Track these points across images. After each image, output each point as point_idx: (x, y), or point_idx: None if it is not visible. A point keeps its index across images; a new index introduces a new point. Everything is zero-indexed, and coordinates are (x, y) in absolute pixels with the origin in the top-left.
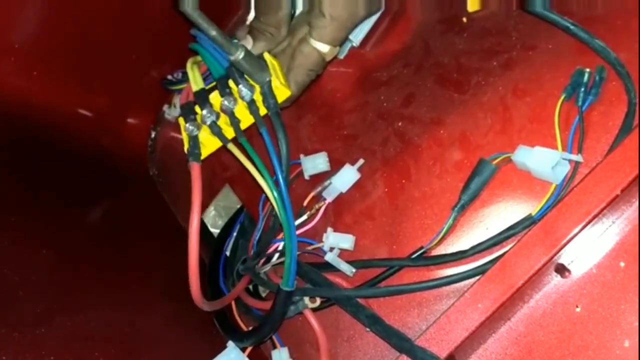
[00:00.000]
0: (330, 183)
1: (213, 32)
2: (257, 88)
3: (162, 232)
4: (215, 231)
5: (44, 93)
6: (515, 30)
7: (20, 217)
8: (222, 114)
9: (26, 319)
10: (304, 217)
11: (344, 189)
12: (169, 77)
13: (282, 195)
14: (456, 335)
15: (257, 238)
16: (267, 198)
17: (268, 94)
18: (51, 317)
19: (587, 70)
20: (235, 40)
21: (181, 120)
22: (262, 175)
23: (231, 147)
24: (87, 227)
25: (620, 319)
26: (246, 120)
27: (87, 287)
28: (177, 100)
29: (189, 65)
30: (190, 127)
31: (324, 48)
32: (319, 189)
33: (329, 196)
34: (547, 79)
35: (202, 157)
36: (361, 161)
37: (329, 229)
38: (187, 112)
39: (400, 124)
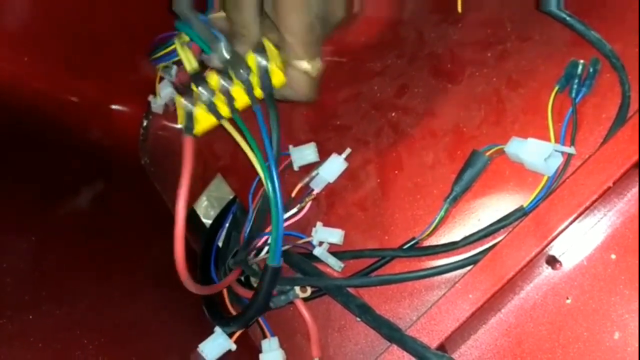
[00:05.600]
0: (317, 173)
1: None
2: (254, 70)
3: (152, 221)
4: (207, 222)
5: (35, 79)
6: (510, 22)
7: (8, 204)
8: (218, 93)
9: (14, 306)
10: (294, 210)
11: (332, 179)
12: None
13: (270, 170)
14: (447, 325)
15: (247, 230)
16: (256, 189)
17: (264, 76)
18: (39, 304)
19: (581, 62)
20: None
21: (178, 97)
22: (252, 151)
23: (225, 123)
24: (77, 214)
25: (611, 311)
26: (241, 100)
27: (76, 275)
28: (161, 89)
29: (178, 46)
30: (186, 103)
31: (305, 65)
32: (307, 179)
33: (317, 187)
34: (541, 70)
35: (196, 133)
36: (348, 150)
37: (319, 223)
38: (185, 89)
39: (393, 114)
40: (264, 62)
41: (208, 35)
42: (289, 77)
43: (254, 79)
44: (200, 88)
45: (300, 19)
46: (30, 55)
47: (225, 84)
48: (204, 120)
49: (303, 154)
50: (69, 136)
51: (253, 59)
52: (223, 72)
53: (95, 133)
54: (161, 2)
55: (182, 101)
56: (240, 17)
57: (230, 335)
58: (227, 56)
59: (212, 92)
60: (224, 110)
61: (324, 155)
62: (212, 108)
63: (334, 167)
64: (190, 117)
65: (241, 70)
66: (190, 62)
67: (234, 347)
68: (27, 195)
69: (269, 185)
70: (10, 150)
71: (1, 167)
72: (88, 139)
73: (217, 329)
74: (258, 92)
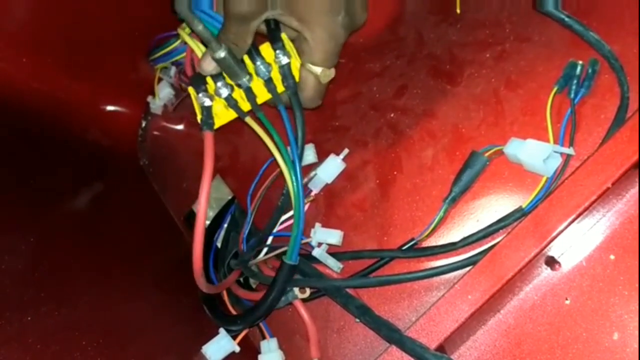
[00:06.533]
0: (315, 174)
1: (199, 27)
2: (275, 67)
3: (151, 222)
4: (206, 222)
5: (34, 80)
6: (509, 22)
7: (6, 205)
8: (236, 88)
9: (12, 307)
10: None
11: (330, 180)
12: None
13: (295, 169)
14: (446, 326)
15: (246, 232)
16: (255, 190)
17: (287, 74)
18: (38, 305)
19: (580, 62)
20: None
21: (192, 90)
22: (277, 148)
23: (249, 120)
24: (75, 215)
25: (610, 312)
26: (262, 96)
27: (74, 276)
28: (160, 90)
29: (186, 37)
30: (203, 98)
31: (317, 70)
32: (305, 180)
33: (315, 188)
34: (540, 71)
35: (215, 127)
36: (346, 151)
37: (317, 224)
38: (198, 82)
39: (392, 115)
40: (286, 60)
41: (208, 36)
42: (300, 78)
43: (275, 75)
44: (218, 83)
45: (328, 29)
46: (29, 56)
47: (245, 79)
48: (223, 116)
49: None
50: (68, 137)
51: (270, 54)
52: (241, 67)
53: (94, 134)
54: (160, 3)
55: (198, 95)
56: (240, 27)
57: (234, 337)
58: (222, 55)
59: (231, 87)
60: (244, 106)
61: (322, 156)
62: (232, 104)
63: (332, 168)
64: (208, 112)
65: (262, 67)
66: (202, 50)
67: (237, 349)
68: (26, 196)
69: (294, 183)
70: (9, 150)
71: (0, 167)
72: (87, 139)
73: (222, 331)
74: (280, 89)
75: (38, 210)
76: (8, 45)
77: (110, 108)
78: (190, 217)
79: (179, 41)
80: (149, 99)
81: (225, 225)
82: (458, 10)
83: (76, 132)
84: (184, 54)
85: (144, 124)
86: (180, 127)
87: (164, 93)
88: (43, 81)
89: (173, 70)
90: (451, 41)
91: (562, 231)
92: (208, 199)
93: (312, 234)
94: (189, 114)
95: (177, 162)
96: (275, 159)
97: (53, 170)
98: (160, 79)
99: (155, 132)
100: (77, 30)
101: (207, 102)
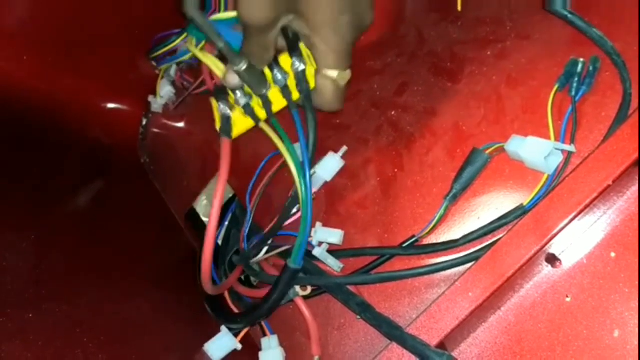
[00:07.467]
0: (314, 172)
1: (221, 44)
2: (291, 74)
3: (152, 220)
4: (207, 220)
5: (35, 78)
6: (510, 20)
7: (8, 203)
8: (254, 96)
9: (14, 305)
10: (294, 210)
11: (329, 178)
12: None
13: (305, 174)
14: (446, 323)
15: (247, 230)
16: (253, 189)
17: (302, 79)
18: (39, 302)
19: (581, 60)
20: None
21: (214, 101)
22: (290, 154)
23: (263, 125)
24: (76, 213)
25: (611, 309)
26: (278, 103)
27: (76, 274)
28: (161, 88)
29: (198, 53)
30: (223, 107)
31: (333, 74)
32: None
33: (315, 185)
34: (541, 69)
35: (233, 136)
36: (344, 148)
37: (318, 224)
38: (220, 93)
39: (393, 113)
40: (302, 66)
41: (228, 50)
42: (317, 85)
43: (291, 82)
44: (238, 93)
45: (335, 29)
46: (30, 54)
47: (264, 90)
48: (240, 124)
49: None
50: (69, 135)
51: (288, 62)
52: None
53: (95, 132)
54: (160, 2)
55: (219, 105)
56: (260, 38)
57: (235, 335)
58: (243, 68)
59: (250, 96)
60: (261, 113)
61: (323, 154)
62: (249, 111)
63: (331, 165)
64: (227, 121)
65: (279, 75)
66: (217, 67)
67: (239, 346)
68: (27, 194)
69: (303, 188)
70: (10, 149)
71: (0, 166)
72: (87, 137)
73: (223, 329)
74: (295, 96)
75: (39, 209)
76: (8, 44)
77: (111, 106)
78: (191, 215)
79: (179, 39)
80: (150, 97)
81: (227, 224)
82: (459, 8)
83: (77, 130)
84: (185, 57)
85: (144, 122)
86: (180, 124)
87: (165, 91)
88: (43, 79)
89: (174, 68)
90: (452, 39)
91: (563, 229)
92: (221, 206)
93: (312, 233)
94: (189, 112)
95: (178, 159)
96: (286, 164)
97: (54, 169)
98: (161, 77)
99: (156, 130)
100: (78, 28)
101: (228, 112)
